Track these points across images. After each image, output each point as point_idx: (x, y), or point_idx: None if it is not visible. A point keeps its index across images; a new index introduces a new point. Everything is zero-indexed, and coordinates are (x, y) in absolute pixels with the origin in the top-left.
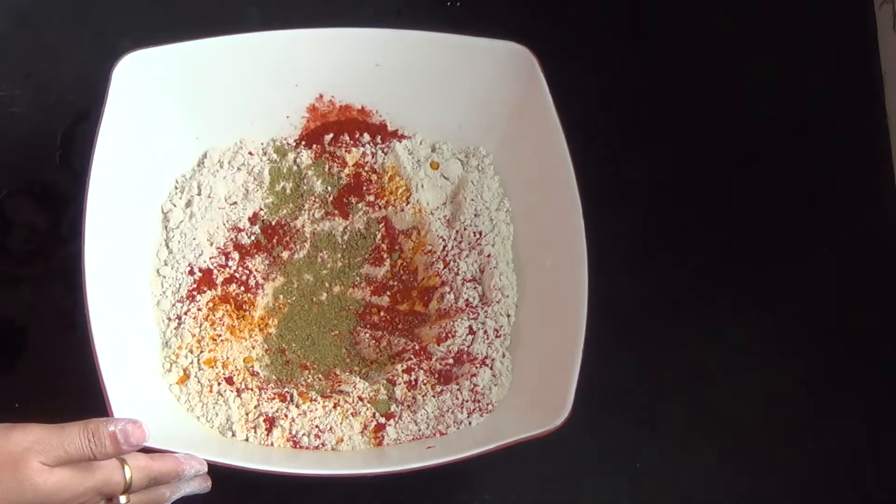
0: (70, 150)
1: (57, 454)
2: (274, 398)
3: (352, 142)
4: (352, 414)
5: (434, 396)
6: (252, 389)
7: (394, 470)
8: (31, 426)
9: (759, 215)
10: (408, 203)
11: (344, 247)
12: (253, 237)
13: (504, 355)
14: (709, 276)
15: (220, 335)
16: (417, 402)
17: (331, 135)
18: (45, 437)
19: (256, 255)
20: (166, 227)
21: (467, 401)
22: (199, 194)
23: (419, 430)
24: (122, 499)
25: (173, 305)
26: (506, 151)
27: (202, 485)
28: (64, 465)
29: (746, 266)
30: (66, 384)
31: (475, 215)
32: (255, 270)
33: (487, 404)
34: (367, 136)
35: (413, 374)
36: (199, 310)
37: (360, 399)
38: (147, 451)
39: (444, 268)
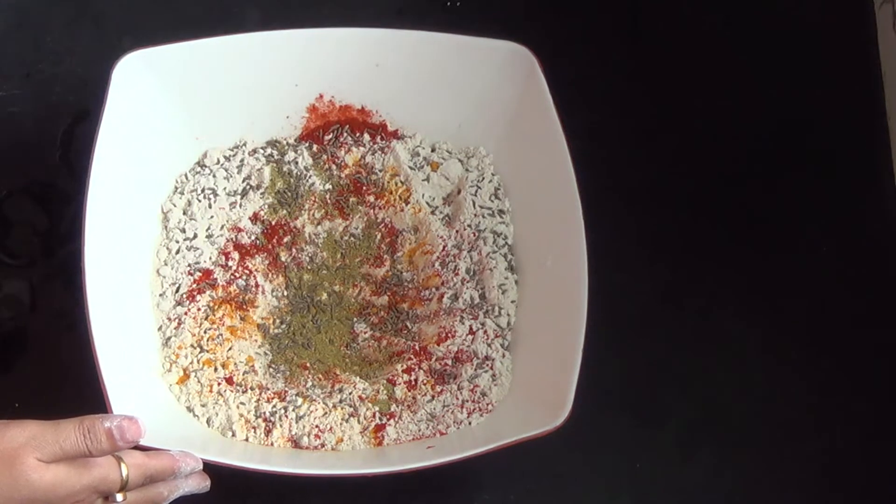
0: (70, 150)
1: (53, 450)
2: (274, 398)
3: (352, 142)
4: (352, 414)
5: (434, 396)
6: (252, 389)
7: (394, 470)
8: (27, 422)
9: (759, 215)
10: (408, 203)
11: (344, 247)
12: (253, 237)
13: (504, 355)
14: (709, 276)
15: (221, 335)
16: (417, 402)
17: (331, 135)
18: (41, 433)
19: (256, 255)
20: (166, 227)
21: (467, 401)
22: (199, 194)
23: (419, 430)
24: (119, 496)
25: (173, 306)
26: (506, 151)
27: (200, 483)
28: (60, 461)
29: (746, 266)
30: (66, 384)
31: (475, 215)
32: (256, 270)
33: (487, 404)
34: (367, 136)
35: (413, 374)
36: (199, 310)
37: (360, 399)
38: (144, 450)
39: (444, 268)
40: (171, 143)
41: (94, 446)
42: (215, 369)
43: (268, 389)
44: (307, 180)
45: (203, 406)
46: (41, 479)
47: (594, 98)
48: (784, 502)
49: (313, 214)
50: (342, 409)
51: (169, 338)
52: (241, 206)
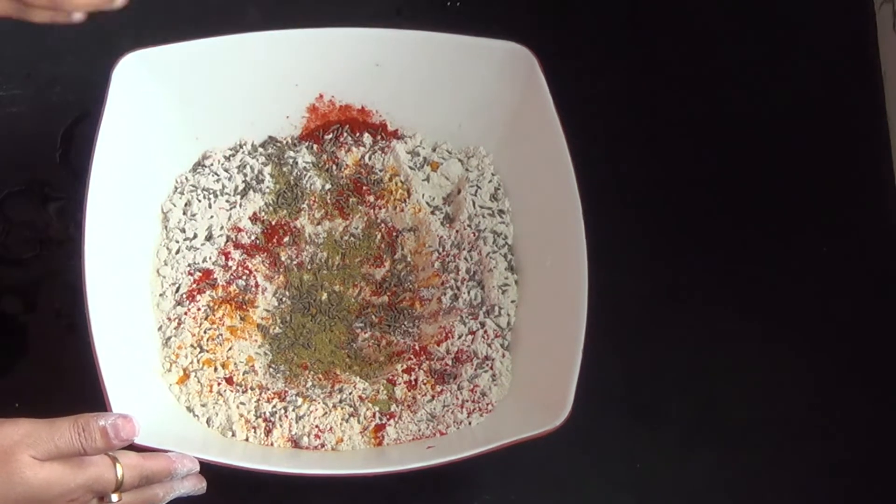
0: (70, 150)
1: (47, 448)
2: (274, 398)
3: (352, 142)
4: (352, 414)
5: (434, 396)
6: (252, 389)
7: (394, 470)
8: (22, 420)
9: (759, 215)
10: (408, 203)
11: (344, 247)
12: (253, 237)
13: (504, 355)
14: (709, 276)
15: (220, 335)
16: (417, 401)
17: (331, 135)
18: (36, 430)
19: (256, 255)
20: (166, 227)
21: (467, 401)
22: (199, 194)
23: (419, 430)
24: (114, 497)
25: (173, 306)
26: (506, 151)
27: (196, 485)
28: (55, 459)
29: (746, 266)
30: (66, 384)
31: (475, 215)
32: (256, 270)
33: (487, 404)
34: (367, 136)
35: (413, 374)
36: (199, 310)
37: (360, 399)
38: (144, 450)
39: (444, 268)
40: (170, 143)
41: (88, 444)
42: (215, 369)
43: (268, 389)
44: (307, 180)
45: (203, 406)
46: (35, 476)
47: (594, 98)
48: (784, 502)
49: (313, 214)
50: (342, 409)
51: (169, 338)
52: (241, 206)
